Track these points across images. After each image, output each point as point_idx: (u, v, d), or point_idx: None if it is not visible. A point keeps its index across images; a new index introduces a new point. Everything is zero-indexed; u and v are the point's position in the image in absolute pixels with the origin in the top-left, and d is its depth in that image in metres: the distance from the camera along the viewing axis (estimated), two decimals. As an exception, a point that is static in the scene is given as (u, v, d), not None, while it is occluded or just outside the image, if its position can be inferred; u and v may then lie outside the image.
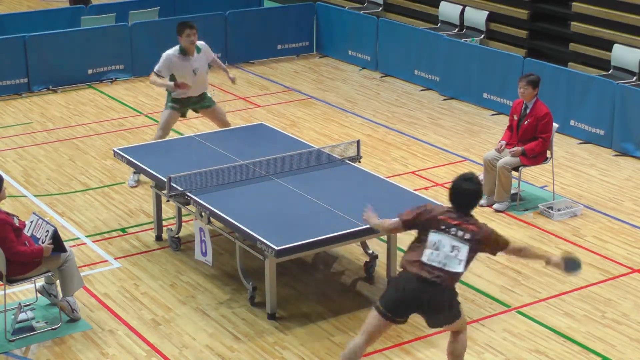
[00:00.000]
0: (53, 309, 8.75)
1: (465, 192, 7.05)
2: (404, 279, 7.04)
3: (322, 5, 17.40)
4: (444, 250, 6.95)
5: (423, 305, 7.07)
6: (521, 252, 7.33)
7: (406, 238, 10.09)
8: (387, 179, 9.87)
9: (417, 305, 7.09)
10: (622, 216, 10.87)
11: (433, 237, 6.99)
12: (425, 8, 17.58)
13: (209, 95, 11.61)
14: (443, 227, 6.98)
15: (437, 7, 17.17)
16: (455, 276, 7.01)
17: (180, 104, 11.37)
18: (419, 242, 7.09)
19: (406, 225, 7.23)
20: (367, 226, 8.41)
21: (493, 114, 14.24)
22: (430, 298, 6.99)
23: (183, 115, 11.54)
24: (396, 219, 7.31)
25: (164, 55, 11.18)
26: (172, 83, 11.12)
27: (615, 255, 9.94)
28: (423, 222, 7.08)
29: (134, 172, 11.42)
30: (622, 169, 12.29)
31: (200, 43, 11.32)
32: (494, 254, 7.25)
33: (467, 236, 6.97)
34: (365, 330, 7.24)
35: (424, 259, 6.96)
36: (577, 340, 8.39)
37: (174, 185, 9.15)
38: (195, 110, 11.62)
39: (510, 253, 7.27)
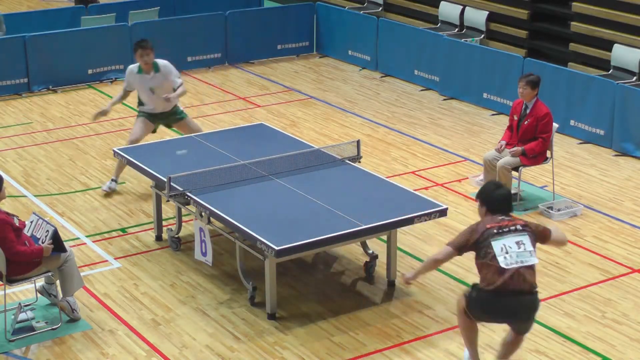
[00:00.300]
0: (53, 309, 8.75)
1: (500, 198, 7.25)
2: (493, 301, 7.08)
3: (322, 5, 17.40)
4: (512, 250, 7.03)
5: (521, 316, 7.18)
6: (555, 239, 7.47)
7: (405, 238, 10.13)
8: (387, 179, 9.87)
9: (504, 321, 7.25)
10: (622, 216, 10.87)
11: (496, 244, 7.06)
12: (425, 8, 17.58)
13: (181, 108, 11.53)
14: (496, 230, 7.09)
15: (437, 7, 17.18)
16: (534, 268, 7.10)
17: (151, 118, 11.39)
18: (484, 258, 7.11)
19: (461, 249, 7.26)
20: (367, 226, 8.45)
21: (493, 114, 14.24)
22: (521, 314, 7.13)
23: (154, 131, 11.56)
24: (446, 249, 7.32)
25: (127, 69, 11.37)
26: (107, 109, 11.55)
27: (615, 255, 9.94)
28: (477, 240, 7.14)
29: (112, 180, 11.38)
30: (622, 169, 12.29)
31: (162, 64, 11.26)
32: (543, 242, 7.37)
33: (520, 227, 7.11)
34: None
35: (503, 265, 6.98)
36: (577, 340, 8.39)
37: (174, 185, 9.15)
38: (168, 126, 11.63)
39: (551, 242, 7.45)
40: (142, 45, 11.20)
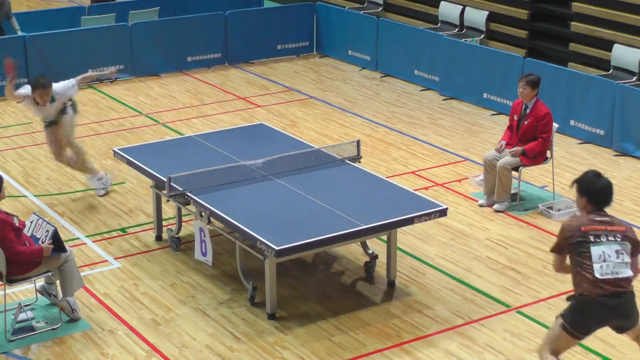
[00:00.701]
0: (53, 309, 8.75)
1: (602, 189, 6.95)
2: (593, 305, 6.90)
3: (322, 5, 17.40)
4: (611, 259, 6.82)
5: (615, 320, 7.02)
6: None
7: (405, 238, 10.13)
8: (387, 179, 9.87)
9: (608, 323, 7.07)
10: (622, 216, 10.85)
11: (596, 250, 6.83)
12: (425, 8, 17.58)
13: (65, 108, 11.06)
14: (593, 237, 6.84)
15: (437, 7, 17.17)
16: (630, 279, 6.91)
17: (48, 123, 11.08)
18: (580, 263, 6.89)
19: (562, 252, 7.01)
20: (367, 226, 8.44)
21: (493, 114, 14.24)
22: (622, 310, 6.94)
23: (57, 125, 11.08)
24: (554, 257, 7.09)
25: (27, 95, 10.72)
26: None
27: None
28: (572, 243, 6.90)
29: (98, 179, 11.32)
30: (622, 169, 12.29)
31: (57, 91, 10.76)
32: (634, 255, 7.04)
33: (619, 237, 6.88)
34: (554, 350, 7.14)
35: (598, 275, 6.80)
36: (577, 340, 8.38)
37: (174, 185, 9.15)
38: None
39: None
40: (43, 84, 10.62)
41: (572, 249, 6.92)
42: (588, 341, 8.34)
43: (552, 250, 7.09)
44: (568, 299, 7.07)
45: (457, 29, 16.71)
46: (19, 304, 8.59)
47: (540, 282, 9.41)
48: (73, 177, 11.88)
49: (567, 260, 7.08)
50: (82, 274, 8.88)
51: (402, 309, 8.85)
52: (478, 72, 14.56)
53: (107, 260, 9.78)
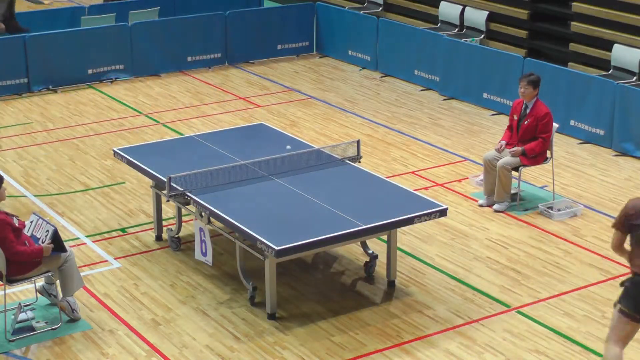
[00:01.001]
0: (53, 309, 8.75)
1: None
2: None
3: (322, 5, 17.40)
4: None
5: None
6: None
7: (405, 238, 10.13)
8: (387, 179, 9.87)
9: None
10: (622, 216, 10.85)
11: None
12: (425, 8, 17.58)
13: None
14: None
15: (437, 7, 17.17)
16: None
17: None
18: (637, 243, 6.93)
19: (620, 229, 7.04)
20: (367, 226, 8.44)
21: (493, 114, 14.24)
22: None
23: None
24: (615, 233, 7.12)
25: None
26: None
27: (615, 255, 9.92)
28: (631, 224, 6.93)
29: None
30: (622, 169, 12.29)
31: None
32: None
33: None
34: (618, 339, 7.13)
35: None
36: (577, 340, 8.39)
37: (174, 185, 9.15)
38: None
39: None
40: None
41: (630, 228, 6.94)
42: (589, 341, 8.35)
43: (613, 226, 7.10)
44: (621, 284, 7.08)
45: (457, 29, 16.70)
46: (19, 304, 8.59)
47: (540, 282, 9.40)
48: (73, 177, 11.88)
49: (627, 244, 7.05)
50: (82, 274, 8.88)
51: (402, 309, 8.85)
52: (478, 72, 14.56)
53: (107, 260, 9.78)
